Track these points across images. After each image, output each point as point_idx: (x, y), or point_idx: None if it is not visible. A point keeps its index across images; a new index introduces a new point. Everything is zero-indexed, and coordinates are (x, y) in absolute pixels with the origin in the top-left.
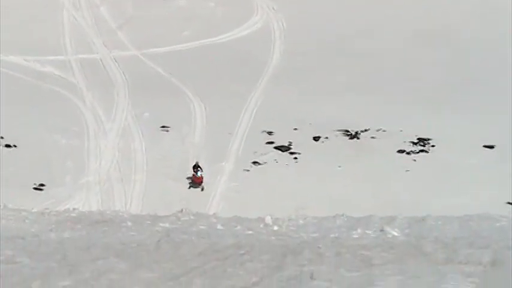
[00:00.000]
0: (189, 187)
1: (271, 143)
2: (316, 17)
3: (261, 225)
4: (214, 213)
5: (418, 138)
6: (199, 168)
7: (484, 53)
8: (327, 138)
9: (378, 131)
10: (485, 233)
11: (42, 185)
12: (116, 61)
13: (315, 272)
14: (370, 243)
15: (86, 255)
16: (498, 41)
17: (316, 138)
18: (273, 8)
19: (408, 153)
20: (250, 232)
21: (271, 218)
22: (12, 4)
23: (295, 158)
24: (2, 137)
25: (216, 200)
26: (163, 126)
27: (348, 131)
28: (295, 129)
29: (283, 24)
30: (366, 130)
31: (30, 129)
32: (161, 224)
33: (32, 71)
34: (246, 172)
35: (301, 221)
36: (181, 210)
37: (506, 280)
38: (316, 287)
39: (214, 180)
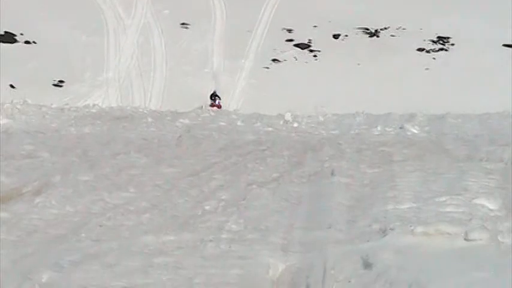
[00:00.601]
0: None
1: (291, 40)
2: None
3: (281, 122)
4: (234, 110)
5: (437, 37)
6: (217, 97)
7: None
8: (346, 36)
9: (397, 29)
10: (505, 131)
11: (61, 81)
12: None
13: (335, 168)
14: (390, 140)
15: (106, 150)
16: None
17: (335, 36)
18: None
19: (428, 51)
20: (270, 129)
21: (291, 115)
22: None
23: (315, 55)
24: (21, 34)
25: (236, 96)
26: (183, 23)
27: (367, 29)
28: (315, 26)
29: None
30: (385, 28)
31: (50, 26)
32: (181, 120)
33: None
34: (266, 70)
35: (321, 118)
36: (201, 106)
37: None
38: (336, 183)
39: (234, 77)
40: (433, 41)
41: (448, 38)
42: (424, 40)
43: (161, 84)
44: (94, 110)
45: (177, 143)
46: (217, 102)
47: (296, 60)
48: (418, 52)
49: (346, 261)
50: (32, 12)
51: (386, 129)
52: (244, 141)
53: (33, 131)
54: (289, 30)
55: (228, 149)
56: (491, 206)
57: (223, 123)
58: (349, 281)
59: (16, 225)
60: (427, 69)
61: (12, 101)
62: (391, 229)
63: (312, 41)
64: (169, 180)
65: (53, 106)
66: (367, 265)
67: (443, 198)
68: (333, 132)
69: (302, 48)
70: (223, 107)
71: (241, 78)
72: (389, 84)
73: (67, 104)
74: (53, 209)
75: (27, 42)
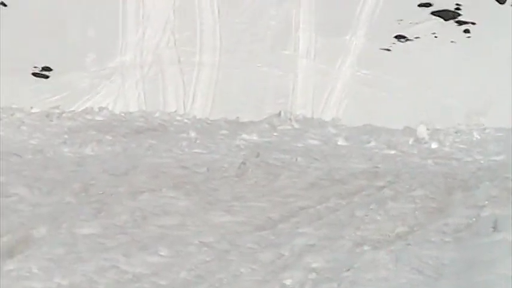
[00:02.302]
0: None
1: (427, 5)
2: None
3: (410, 141)
4: (332, 119)
5: None
6: None
7: None
8: None
9: None
10: None
11: (47, 68)
12: None
13: (500, 219)
14: None
15: (121, 185)
16: None
17: (501, 1)
18: None
19: None
20: (392, 152)
21: (427, 129)
22: None
23: (467, 30)
24: None
25: (335, 97)
26: None
27: None
28: None
29: None
30: None
31: None
32: (245, 136)
33: None
34: (385, 53)
35: (475, 135)
36: (279, 112)
37: None
38: (503, 243)
39: (332, 65)
40: None
41: None
42: None
43: (212, 76)
44: (100, 118)
45: (238, 174)
46: None
47: (436, 37)
48: None
49: None
50: None
51: None
52: (350, 172)
53: (3, 152)
54: None
55: (323, 185)
56: None
57: (314, 142)
58: None
59: None
60: None
61: None
62: None
63: (462, 7)
64: (225, 236)
65: (33, 110)
66: None
67: None
68: (496, 158)
69: (445, 19)
70: (314, 115)
71: (345, 66)
72: None
73: (56, 108)
74: (34, 281)
75: None
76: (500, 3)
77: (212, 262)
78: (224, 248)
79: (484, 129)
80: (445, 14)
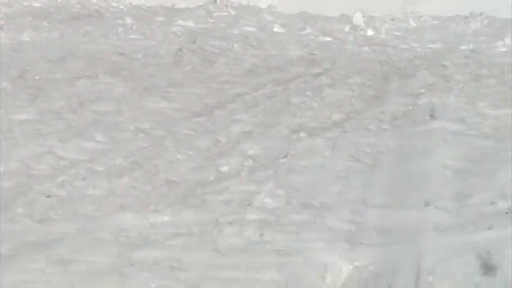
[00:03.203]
0: None
1: None
2: None
3: (346, 28)
4: (268, 6)
5: None
6: None
7: None
8: None
9: None
10: None
11: None
12: None
13: (436, 107)
14: None
15: (58, 71)
16: None
17: None
18: None
19: None
20: (328, 39)
21: (363, 17)
22: None
23: None
24: None
25: None
26: None
27: None
28: None
29: None
30: None
31: None
32: (181, 22)
33: None
34: None
35: (412, 22)
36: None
37: None
38: (438, 131)
39: None
40: None
41: None
42: None
43: None
44: (37, 4)
45: (174, 60)
46: None
47: None
48: None
49: (454, 261)
50: None
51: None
52: (287, 59)
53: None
54: None
55: (259, 72)
56: None
57: (251, 29)
58: None
59: None
60: None
61: None
62: None
63: None
64: (161, 123)
65: None
66: (487, 268)
67: None
68: (433, 46)
69: None
70: (250, 2)
71: None
72: None
73: None
74: None
75: None
76: None
77: (148, 148)
78: (160, 134)
79: (420, 17)
80: None
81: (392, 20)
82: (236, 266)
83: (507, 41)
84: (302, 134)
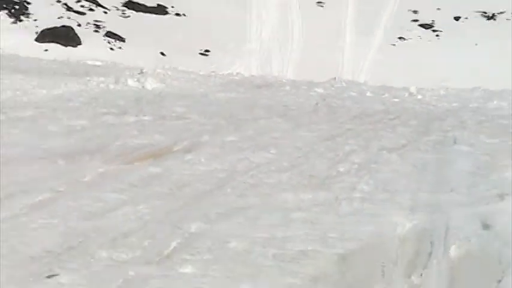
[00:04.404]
0: None
1: (416, 21)
2: None
3: (406, 94)
4: (364, 82)
5: None
6: None
7: None
8: (466, 18)
9: None
10: None
11: (207, 51)
12: None
13: (457, 137)
14: (507, 114)
15: (249, 114)
16: None
17: (456, 18)
18: None
19: None
20: (396, 100)
21: (416, 88)
22: None
23: (437, 35)
24: (172, 6)
25: (365, 70)
26: (318, 2)
27: (485, 13)
28: (438, 9)
29: None
30: (502, 12)
31: (198, 0)
32: (316, 90)
33: None
34: (392, 46)
35: (442, 92)
36: (335, 78)
37: None
38: (458, 151)
39: (363, 52)
40: None
41: None
42: None
43: (298, 56)
44: (237, 78)
45: (313, 110)
46: None
47: (420, 38)
48: None
49: (467, 222)
50: None
51: (502, 103)
52: (374, 110)
53: (183, 94)
54: (415, 12)
55: (360, 116)
56: None
57: (354, 94)
58: (469, 240)
59: (168, 179)
60: None
61: (163, 67)
62: (508, 194)
63: (435, 22)
64: (307, 144)
65: (200, 73)
66: (486, 226)
67: None
68: (454, 104)
69: (426, 28)
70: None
71: (370, 53)
72: (504, 62)
73: (213, 72)
74: (202, 166)
75: (177, 14)
76: (456, 20)
77: (300, 157)
78: (306, 150)
79: (447, 88)
80: (425, 25)
81: (432, 90)
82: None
83: (495, 102)
84: (384, 152)
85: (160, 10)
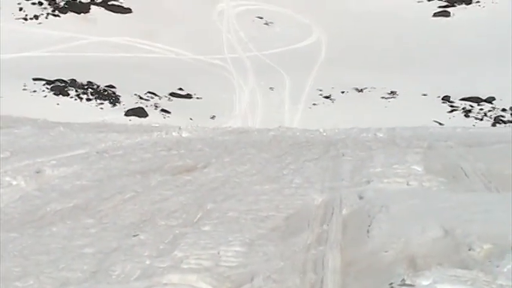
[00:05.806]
0: None
1: (321, 95)
2: None
3: (318, 133)
4: (295, 127)
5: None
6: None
7: None
8: (347, 92)
9: (374, 88)
10: None
11: (214, 116)
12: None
13: (344, 153)
14: (370, 140)
15: (236, 147)
16: None
17: (342, 92)
18: None
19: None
20: (312, 135)
21: (323, 129)
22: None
23: (332, 101)
24: (194, 94)
25: (296, 121)
26: (270, 88)
27: (357, 88)
28: (333, 87)
29: None
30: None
31: (205, 86)
32: (271, 132)
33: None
34: (309, 108)
35: (336, 130)
36: (280, 126)
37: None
38: (345, 160)
39: (295, 112)
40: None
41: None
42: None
43: (261, 116)
44: (230, 129)
45: (269, 142)
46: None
47: (323, 104)
48: (381, 99)
49: (351, 196)
50: (190, 74)
51: (368, 135)
52: (301, 141)
53: (201, 138)
54: (320, 89)
55: (293, 145)
56: (419, 169)
57: (290, 134)
58: (352, 206)
59: (195, 183)
60: (386, 107)
61: (191, 125)
62: (372, 181)
63: (331, 95)
64: (266, 160)
65: (210, 127)
66: (360, 198)
67: (396, 166)
68: (342, 136)
69: (326, 98)
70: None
71: (298, 112)
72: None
73: (217, 126)
74: (211, 174)
75: (198, 98)
76: (342, 93)
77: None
78: (264, 164)
79: (337, 129)
80: (326, 96)
81: (330, 130)
82: None
83: (366, 134)
84: (305, 161)
85: (188, 96)
